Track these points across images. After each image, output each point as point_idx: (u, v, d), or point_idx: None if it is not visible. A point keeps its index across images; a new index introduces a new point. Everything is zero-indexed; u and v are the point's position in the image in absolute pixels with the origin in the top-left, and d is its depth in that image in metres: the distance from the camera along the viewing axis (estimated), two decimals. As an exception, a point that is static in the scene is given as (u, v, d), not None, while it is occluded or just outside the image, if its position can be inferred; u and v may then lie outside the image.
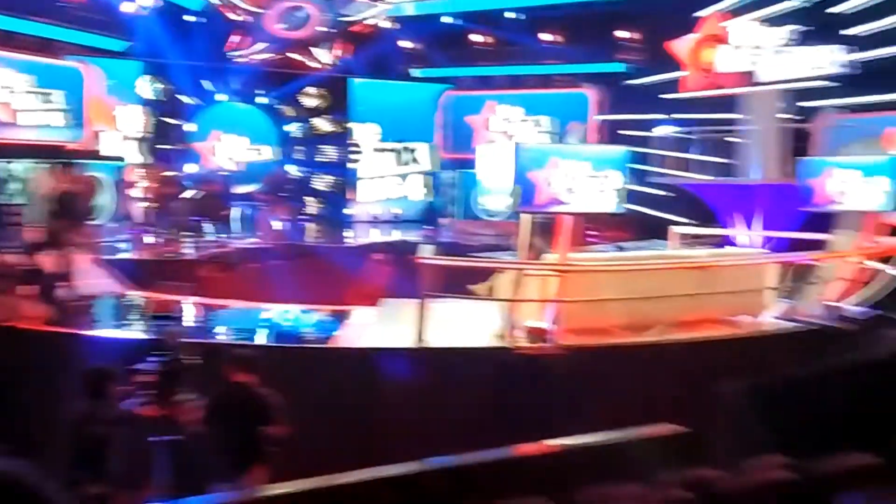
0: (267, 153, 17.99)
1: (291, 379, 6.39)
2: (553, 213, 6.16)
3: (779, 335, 7.93)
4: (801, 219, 9.81)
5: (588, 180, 5.84)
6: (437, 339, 6.83)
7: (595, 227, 16.03)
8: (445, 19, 18.03)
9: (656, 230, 12.48)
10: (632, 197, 15.83)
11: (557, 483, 3.81)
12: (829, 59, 11.45)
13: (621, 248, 12.43)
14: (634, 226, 15.25)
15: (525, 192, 5.76)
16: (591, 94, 17.49)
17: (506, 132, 17.46)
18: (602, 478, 4.04)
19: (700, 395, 6.39)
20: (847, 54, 11.50)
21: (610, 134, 16.51)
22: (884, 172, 7.57)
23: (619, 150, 6.45)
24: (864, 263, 8.31)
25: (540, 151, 6.09)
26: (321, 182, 18.63)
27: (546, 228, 6.86)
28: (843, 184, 7.81)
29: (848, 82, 13.02)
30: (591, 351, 7.00)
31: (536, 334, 6.64)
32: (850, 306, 8.21)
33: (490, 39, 18.36)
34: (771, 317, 8.29)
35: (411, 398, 6.47)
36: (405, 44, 18.61)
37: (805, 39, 12.02)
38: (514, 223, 8.96)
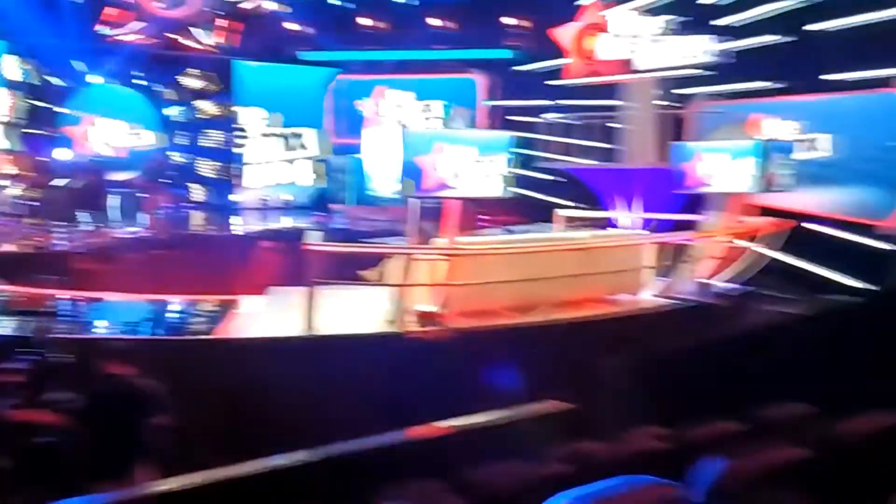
0: (148, 138, 17.20)
1: (172, 373, 6.18)
2: (440, 197, 6.22)
3: (656, 312, 8.34)
4: (677, 201, 10.32)
5: (474, 165, 5.93)
6: (327, 326, 6.78)
7: (486, 211, 16.32)
8: (334, 1, 17.75)
9: (545, 214, 12.84)
10: (521, 181, 16.28)
11: (449, 465, 3.88)
12: (702, 48, 12.04)
13: (511, 232, 12.67)
14: (524, 210, 15.63)
15: (412, 177, 5.78)
16: (479, 79, 17.69)
17: (396, 117, 17.41)
18: (492, 457, 4.15)
19: (584, 372, 6.67)
20: (717, 44, 12.12)
21: (499, 119, 16.80)
22: (748, 156, 8.10)
23: (505, 135, 6.57)
24: (732, 242, 8.83)
25: (426, 136, 6.13)
26: (206, 168, 18.00)
27: (435, 213, 6.92)
28: (712, 167, 8.27)
29: (719, 71, 13.77)
30: (479, 332, 7.13)
31: (426, 318, 6.70)
32: (721, 283, 8.73)
33: (379, 23, 18.23)
34: (649, 295, 8.70)
35: (301, 388, 6.40)
36: (292, 26, 18.19)
37: (679, 29, 12.58)
38: (408, 208, 9.03)
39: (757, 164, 7.98)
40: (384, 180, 6.11)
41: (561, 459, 3.68)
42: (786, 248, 10.41)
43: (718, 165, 8.21)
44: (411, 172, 5.80)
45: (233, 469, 4.48)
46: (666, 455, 3.34)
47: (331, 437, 5.31)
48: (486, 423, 5.65)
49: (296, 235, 10.67)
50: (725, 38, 13.19)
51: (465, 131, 6.52)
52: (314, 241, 7.19)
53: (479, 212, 16.13)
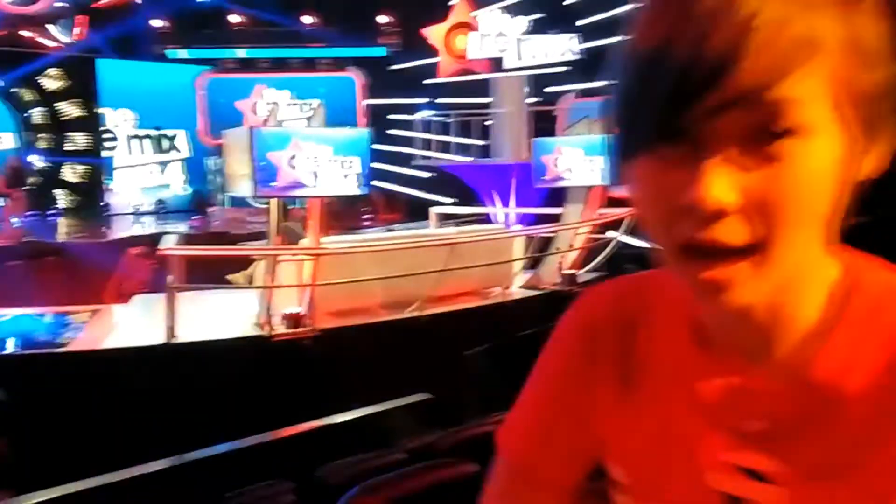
0: (6, 142, 16.23)
1: (25, 388, 5.93)
2: (295, 196, 6.21)
3: (524, 303, 8.64)
4: (547, 194, 10.70)
5: (330, 164, 5.95)
6: (190, 333, 6.64)
7: (370, 210, 16.38)
8: (202, -2, 17.33)
9: (427, 212, 13.07)
10: (401, 179, 16.46)
11: (314, 463, 3.92)
12: (565, 46, 12.50)
13: (391, 230, 12.76)
14: (407, 207, 15.79)
15: (267, 176, 5.75)
16: (357, 77, 17.70)
17: (274, 116, 17.17)
18: (361, 451, 4.21)
19: (454, 363, 6.85)
20: (580, 42, 12.62)
21: (378, 117, 16.88)
22: (599, 152, 8.51)
23: (361, 132, 6.62)
24: (593, 233, 9.25)
25: (280, 134, 6.09)
26: (72, 173, 17.17)
27: (301, 212, 6.91)
28: (570, 161, 8.64)
29: (584, 68, 14.38)
30: (348, 331, 7.18)
31: (293, 320, 6.68)
32: (583, 272, 9.12)
33: (250, 20, 17.90)
34: (517, 286, 8.99)
35: (163, 397, 6.25)
36: (158, 22, 17.58)
37: (544, 28, 13.02)
38: (296, 209, 8.92)
39: (606, 159, 8.37)
40: (241, 180, 6.05)
41: (401, 450, 3.80)
42: (642, 235, 10.90)
43: (576, 159, 8.59)
44: (266, 171, 5.76)
45: (99, 478, 4.38)
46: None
47: (197, 444, 5.25)
48: (353, 419, 5.73)
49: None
50: (590, 36, 13.81)
51: (321, 129, 6.52)
52: (170, 244, 7.00)
53: (363, 211, 16.22)
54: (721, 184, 0.52)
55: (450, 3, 14.54)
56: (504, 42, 12.44)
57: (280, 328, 6.80)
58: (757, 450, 0.63)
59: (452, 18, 13.15)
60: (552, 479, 0.80)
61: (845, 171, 0.55)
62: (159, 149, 17.87)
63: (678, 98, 0.52)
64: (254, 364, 6.71)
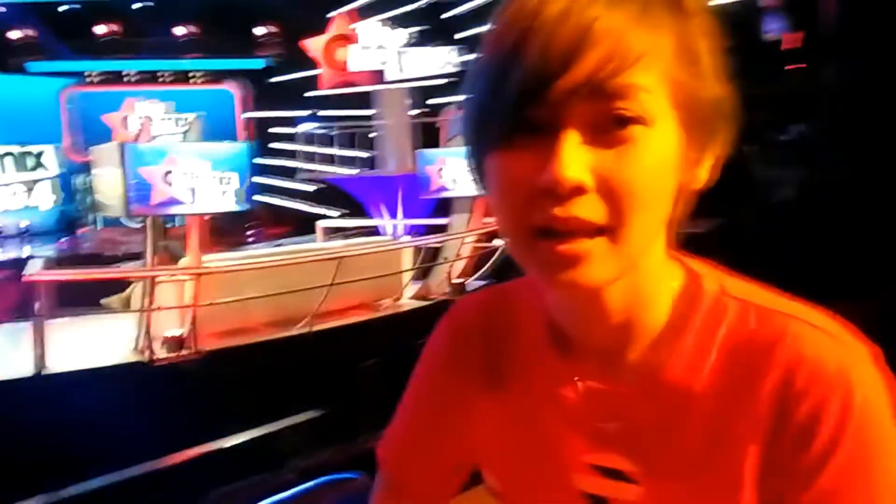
0: None
1: None
2: (172, 214, 5.98)
3: (414, 314, 8.66)
4: (432, 205, 10.80)
5: (209, 179, 5.77)
6: (62, 362, 6.26)
7: (255, 225, 15.98)
8: (64, 7, 16.37)
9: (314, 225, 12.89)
10: (288, 193, 16.14)
11: (201, 490, 3.76)
12: (446, 59, 12.68)
13: (280, 245, 12.50)
14: (294, 222, 15.50)
15: (141, 194, 5.50)
16: (235, 90, 17.25)
17: (147, 130, 16.43)
18: (253, 474, 4.08)
19: (346, 379, 6.77)
20: (461, 55, 12.84)
21: (259, 131, 16.52)
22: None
23: (240, 146, 6.47)
24: (479, 242, 9.41)
25: (154, 149, 5.85)
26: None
27: (179, 231, 6.65)
28: (454, 172, 8.77)
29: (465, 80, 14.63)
30: (235, 351, 6.98)
31: (174, 343, 6.41)
32: (471, 280, 9.25)
33: (117, 30, 17.09)
34: (407, 298, 9.01)
35: (35, 432, 5.85)
36: (17, 33, 16.51)
37: (425, 41, 13.16)
38: (176, 228, 8.54)
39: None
40: (113, 199, 5.76)
41: (292, 470, 3.72)
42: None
43: (459, 170, 8.73)
44: (139, 189, 5.52)
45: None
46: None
47: (75, 480, 4.95)
48: (245, 442, 5.57)
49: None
50: (468, 49, 14.07)
51: (198, 144, 6.31)
52: (38, 269, 6.58)
53: (248, 226, 15.81)
54: (576, 164, 0.56)
55: (329, 15, 14.46)
56: (385, 54, 12.47)
57: (161, 352, 6.51)
58: (615, 450, 0.67)
59: (332, 30, 13.07)
60: (427, 488, 0.81)
61: (682, 168, 0.60)
62: (23, 167, 16.74)
63: (530, 89, 0.56)
64: (134, 391, 6.38)
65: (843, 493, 0.59)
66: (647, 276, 0.65)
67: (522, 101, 0.57)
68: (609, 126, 0.57)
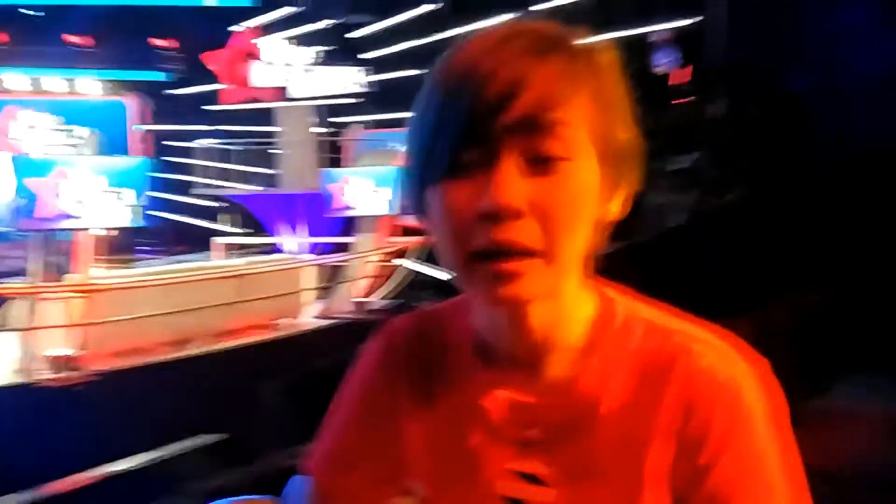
0: None
1: None
2: (60, 228, 5.68)
3: (315, 333, 8.56)
4: (336, 224, 10.73)
5: (101, 194, 5.53)
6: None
7: (148, 241, 15.39)
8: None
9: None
10: (187, 209, 15.64)
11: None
12: (353, 78, 12.71)
13: (182, 262, 12.11)
14: (191, 238, 15.02)
15: (26, 207, 5.21)
16: (130, 102, 16.61)
17: (30, 141, 15.56)
18: (147, 498, 3.90)
19: (245, 400, 6.60)
20: (365, 75, 12.90)
21: (154, 145, 15.95)
22: (390, 181, 8.75)
23: (137, 161, 6.24)
24: (383, 261, 9.43)
25: (43, 162, 5.57)
26: None
27: (65, 246, 6.33)
28: (358, 191, 8.77)
29: (372, 100, 14.69)
30: (128, 372, 6.69)
31: (61, 363, 6.09)
32: (375, 300, 9.24)
33: (8, 37, 16.20)
34: (310, 317, 8.90)
35: None
36: None
37: (331, 60, 13.14)
38: (65, 242, 8.09)
39: (395, 188, 8.65)
40: (-4, 211, 5.43)
41: (189, 495, 3.61)
42: (431, 262, 11.34)
43: (363, 190, 8.74)
44: (24, 201, 5.23)
45: None
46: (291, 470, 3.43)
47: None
48: (139, 467, 5.33)
49: None
50: (373, 69, 14.16)
51: (91, 157, 6.06)
52: None
53: (146, 242, 15.21)
54: (514, 191, 0.63)
55: (231, 30, 14.22)
56: (289, 72, 12.37)
57: (46, 373, 6.17)
58: (533, 457, 0.73)
59: (236, 45, 12.86)
60: (357, 497, 0.84)
61: (600, 201, 0.68)
62: None
63: (472, 127, 0.64)
64: (15, 414, 6.01)
65: (729, 490, 0.68)
66: (566, 299, 0.72)
67: (465, 138, 0.64)
68: (539, 160, 0.64)
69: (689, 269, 4.01)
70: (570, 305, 0.73)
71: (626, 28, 9.59)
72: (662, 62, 7.10)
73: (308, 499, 0.85)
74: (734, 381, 0.70)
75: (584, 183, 0.66)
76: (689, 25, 9.26)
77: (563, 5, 11.15)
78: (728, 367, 0.71)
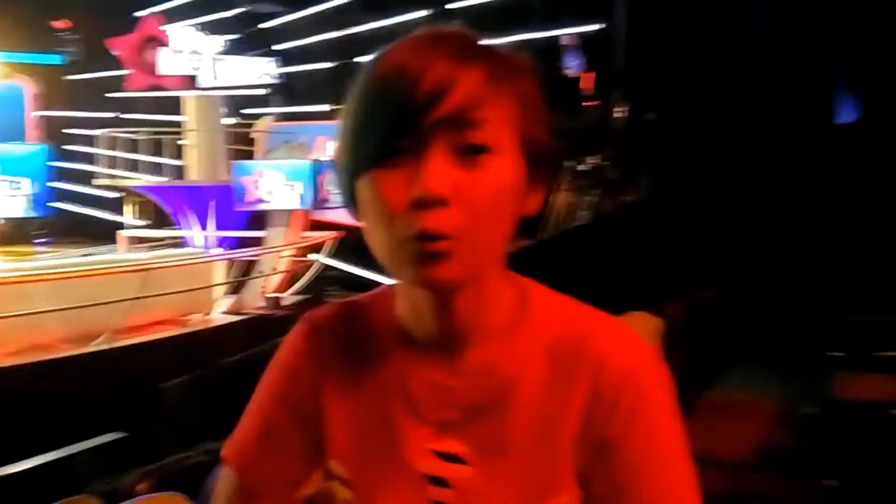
0: None
1: None
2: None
3: (225, 329, 8.41)
4: (244, 217, 10.53)
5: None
6: None
7: (48, 233, 14.68)
8: None
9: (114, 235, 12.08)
10: (87, 200, 14.98)
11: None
12: (262, 70, 12.47)
13: (88, 255, 11.60)
14: (94, 230, 14.40)
15: None
16: (27, 86, 15.77)
17: None
18: (49, 499, 3.77)
19: (150, 398, 6.43)
20: (277, 66, 12.68)
21: (53, 132, 15.21)
22: (302, 175, 8.67)
23: (35, 149, 5.98)
24: (296, 256, 9.33)
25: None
26: None
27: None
28: (271, 185, 8.65)
29: (282, 92, 14.46)
30: (23, 370, 6.42)
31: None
32: (287, 295, 9.14)
33: None
34: (219, 312, 8.73)
35: None
36: None
37: (241, 50, 12.86)
38: None
39: (308, 183, 8.62)
40: None
41: (92, 493, 3.53)
42: (343, 258, 11.29)
43: (276, 183, 8.62)
44: None
45: None
46: (208, 466, 3.40)
47: None
48: (38, 467, 5.13)
49: None
50: (287, 61, 13.95)
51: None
52: None
53: (37, 234, 14.47)
54: (441, 180, 0.68)
55: (137, 15, 13.70)
56: (198, 60, 12.03)
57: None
58: (453, 436, 0.78)
59: (142, 31, 12.41)
60: (276, 486, 0.86)
61: (520, 197, 0.74)
62: None
63: (403, 120, 0.69)
64: None
65: (635, 464, 0.75)
66: (487, 286, 0.77)
67: (396, 129, 0.69)
68: (466, 152, 0.70)
69: (591, 266, 4.19)
70: (491, 292, 0.78)
71: (536, 30, 9.84)
72: (572, 65, 7.32)
73: (227, 486, 0.87)
74: (640, 365, 0.77)
75: (507, 177, 0.71)
76: (594, 31, 9.58)
77: (474, 5, 11.31)
78: (634, 352, 0.78)
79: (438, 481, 0.78)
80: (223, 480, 0.88)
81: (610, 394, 0.76)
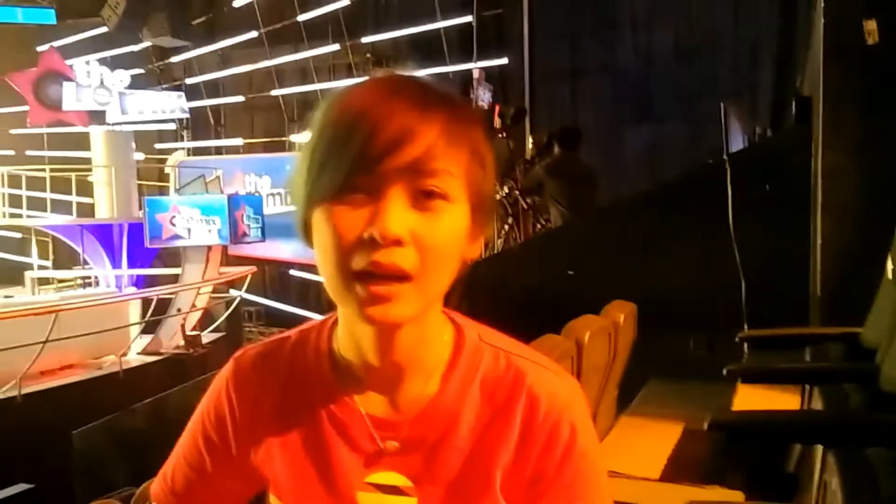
0: None
1: None
2: None
3: (144, 369, 8.15)
4: (155, 254, 10.26)
5: None
6: None
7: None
8: None
9: (17, 276, 11.55)
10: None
11: None
12: (175, 104, 12.27)
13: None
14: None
15: None
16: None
17: None
18: None
19: (62, 445, 6.17)
20: (184, 101, 12.51)
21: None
22: (219, 210, 8.55)
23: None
24: (214, 292, 9.15)
25: None
26: None
27: None
28: (187, 220, 8.49)
29: (196, 126, 14.24)
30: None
31: None
32: (206, 332, 8.94)
33: None
34: (136, 353, 8.46)
35: None
36: None
37: (147, 84, 12.62)
38: None
39: (225, 218, 8.50)
40: None
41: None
42: (265, 292, 11.15)
43: (192, 218, 8.47)
44: None
45: None
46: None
47: None
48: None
49: None
50: (199, 95, 13.76)
51: None
52: None
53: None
54: (399, 222, 0.72)
55: (38, 49, 13.28)
56: (106, 95, 11.74)
57: None
58: (390, 469, 0.81)
59: (44, 65, 12.03)
60: None
61: (464, 241, 0.78)
62: None
63: (363, 164, 0.72)
64: None
65: (567, 496, 0.80)
66: (428, 324, 0.81)
67: (356, 168, 0.72)
68: (422, 197, 0.73)
69: (501, 294, 4.33)
70: (431, 330, 0.81)
71: (446, 63, 10.08)
72: (483, 98, 7.56)
73: None
74: (570, 402, 0.82)
75: (457, 223, 0.75)
76: (497, 66, 9.92)
77: (383, 41, 11.48)
78: (563, 390, 0.82)
79: None
80: None
81: (546, 430, 0.80)
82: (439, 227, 0.74)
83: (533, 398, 0.81)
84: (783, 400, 2.27)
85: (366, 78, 0.79)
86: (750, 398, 2.21)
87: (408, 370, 0.81)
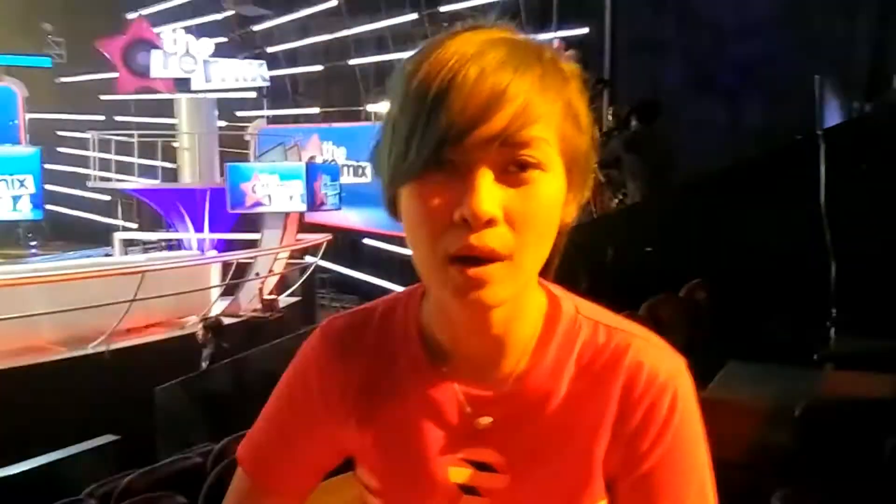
0: None
1: None
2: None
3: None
4: (233, 219, 10.54)
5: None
6: None
7: (43, 235, 14.65)
8: None
9: (109, 237, 12.08)
10: (80, 203, 14.95)
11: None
12: (256, 72, 12.50)
13: (79, 257, 11.59)
14: (89, 233, 14.37)
15: None
16: (17, 89, 15.72)
17: None
18: (45, 502, 3.79)
19: (145, 400, 6.45)
20: (265, 69, 12.71)
21: (46, 134, 15.17)
22: (298, 177, 8.70)
23: (30, 150, 5.99)
24: (291, 258, 9.35)
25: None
26: None
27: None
28: (267, 187, 8.67)
29: (275, 95, 14.48)
30: (16, 373, 6.44)
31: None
32: (283, 297, 9.16)
33: None
34: (215, 314, 8.74)
35: None
36: None
37: (230, 53, 12.88)
38: None
39: (304, 185, 8.64)
40: None
41: (93, 496, 3.56)
42: (337, 260, 11.32)
43: (272, 186, 8.65)
44: None
45: None
46: (199, 471, 3.43)
47: None
48: (32, 470, 5.15)
49: None
50: (279, 64, 13.98)
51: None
52: None
53: (30, 236, 14.43)
54: (490, 200, 0.66)
55: (128, 17, 13.71)
56: (191, 63, 12.05)
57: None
58: (485, 445, 0.78)
59: (133, 33, 12.41)
60: (288, 487, 0.88)
61: (563, 209, 0.73)
62: None
63: (452, 135, 0.65)
64: None
65: (663, 474, 0.76)
66: (524, 297, 0.76)
67: (443, 144, 0.66)
68: (514, 169, 0.67)
69: (585, 267, 4.25)
70: (527, 304, 0.77)
71: (527, 32, 9.86)
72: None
73: (239, 487, 0.88)
74: (672, 377, 0.76)
75: (554, 193, 0.69)
76: (577, 36, 9.67)
77: (461, 10, 11.35)
78: (666, 364, 0.77)
79: (469, 490, 0.78)
80: (236, 481, 0.89)
81: (645, 406, 0.76)
82: (535, 201, 0.68)
83: (633, 372, 0.76)
84: (880, 388, 2.15)
85: (444, 35, 0.71)
86: (843, 384, 2.10)
87: (502, 345, 0.77)
